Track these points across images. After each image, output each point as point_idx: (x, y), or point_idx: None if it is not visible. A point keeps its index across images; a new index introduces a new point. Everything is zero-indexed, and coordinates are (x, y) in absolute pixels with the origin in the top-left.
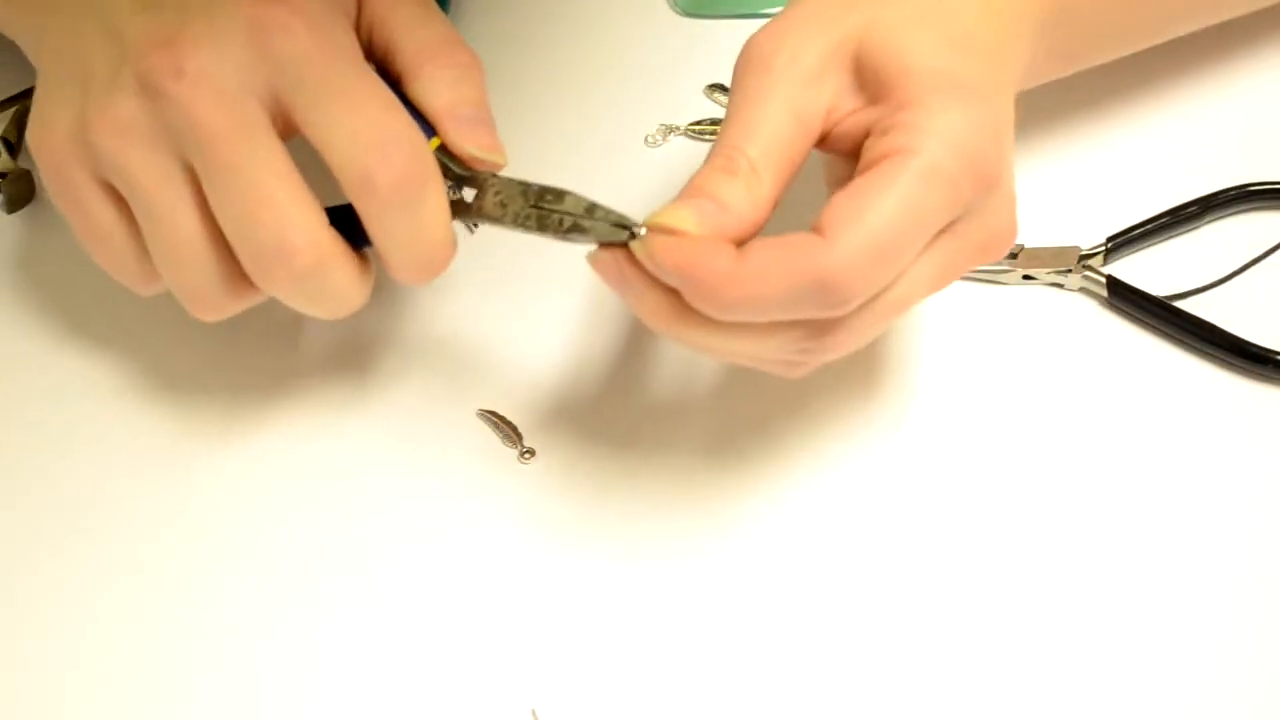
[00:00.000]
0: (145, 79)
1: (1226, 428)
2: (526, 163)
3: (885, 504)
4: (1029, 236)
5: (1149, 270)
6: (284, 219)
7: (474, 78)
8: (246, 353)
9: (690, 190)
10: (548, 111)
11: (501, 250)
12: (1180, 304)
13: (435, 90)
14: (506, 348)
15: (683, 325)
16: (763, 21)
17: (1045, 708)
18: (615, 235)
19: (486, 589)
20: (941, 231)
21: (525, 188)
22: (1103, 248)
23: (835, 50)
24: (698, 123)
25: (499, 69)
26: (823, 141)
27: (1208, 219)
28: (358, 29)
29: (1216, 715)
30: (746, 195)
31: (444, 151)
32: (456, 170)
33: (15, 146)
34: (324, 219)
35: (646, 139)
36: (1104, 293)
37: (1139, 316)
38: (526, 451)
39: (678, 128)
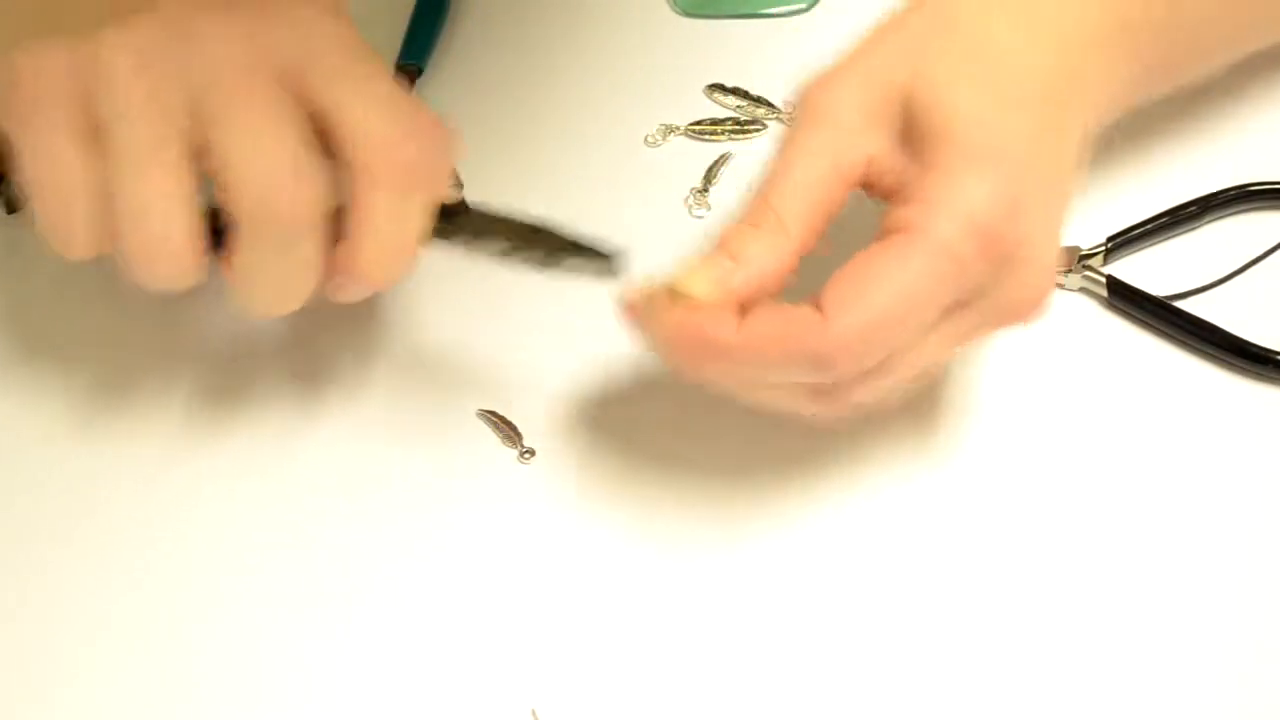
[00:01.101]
0: (177, 13)
1: (1226, 428)
2: (527, 163)
3: (885, 503)
4: None
5: (1149, 270)
6: (299, 161)
7: (427, 184)
8: (246, 352)
9: (717, 244)
10: (548, 111)
11: None
12: (1180, 304)
13: (382, 219)
14: (507, 348)
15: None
16: (762, 21)
17: (1045, 706)
18: (597, 269)
19: (486, 589)
20: (957, 304)
21: (507, 220)
22: (1102, 248)
23: (883, 101)
24: (698, 123)
25: (499, 69)
26: (869, 189)
27: (1207, 219)
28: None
29: (1216, 714)
30: (770, 249)
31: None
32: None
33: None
34: (195, 208)
35: (646, 139)
36: (1104, 293)
37: (1139, 316)
38: (526, 451)
39: (678, 128)
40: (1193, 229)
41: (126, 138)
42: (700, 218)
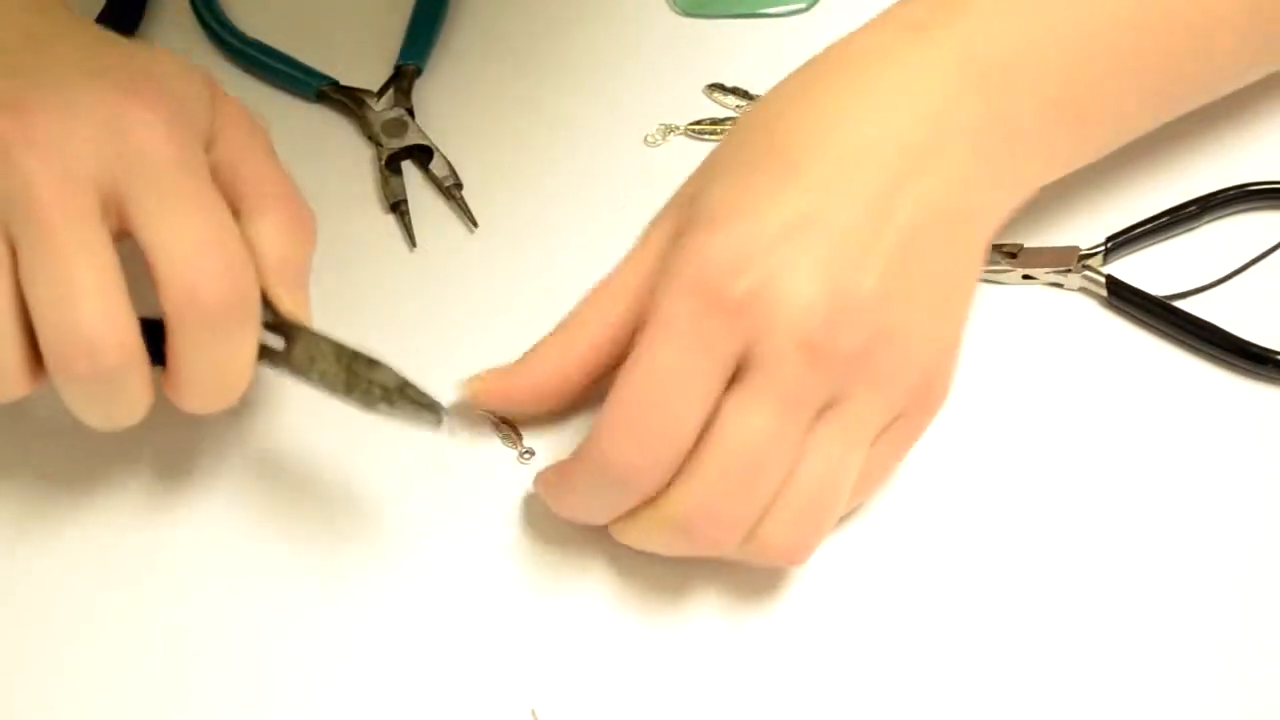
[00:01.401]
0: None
1: (1226, 428)
2: (526, 163)
3: (883, 503)
4: (1029, 236)
5: (1148, 270)
6: (98, 313)
7: (307, 235)
8: None
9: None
10: (547, 111)
11: (501, 255)
12: (1180, 304)
13: (271, 238)
14: (506, 350)
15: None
16: (762, 21)
17: (1045, 705)
18: (421, 419)
19: (486, 589)
20: (748, 371)
21: (338, 349)
22: (1102, 247)
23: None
24: (697, 123)
25: (498, 69)
26: None
27: (1207, 219)
28: (208, 148)
29: (1215, 714)
30: (553, 364)
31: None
32: (266, 317)
33: None
34: (135, 324)
35: (646, 139)
36: (1103, 292)
37: (1139, 316)
38: (526, 452)
39: (677, 128)
40: (1192, 229)
41: None
42: None
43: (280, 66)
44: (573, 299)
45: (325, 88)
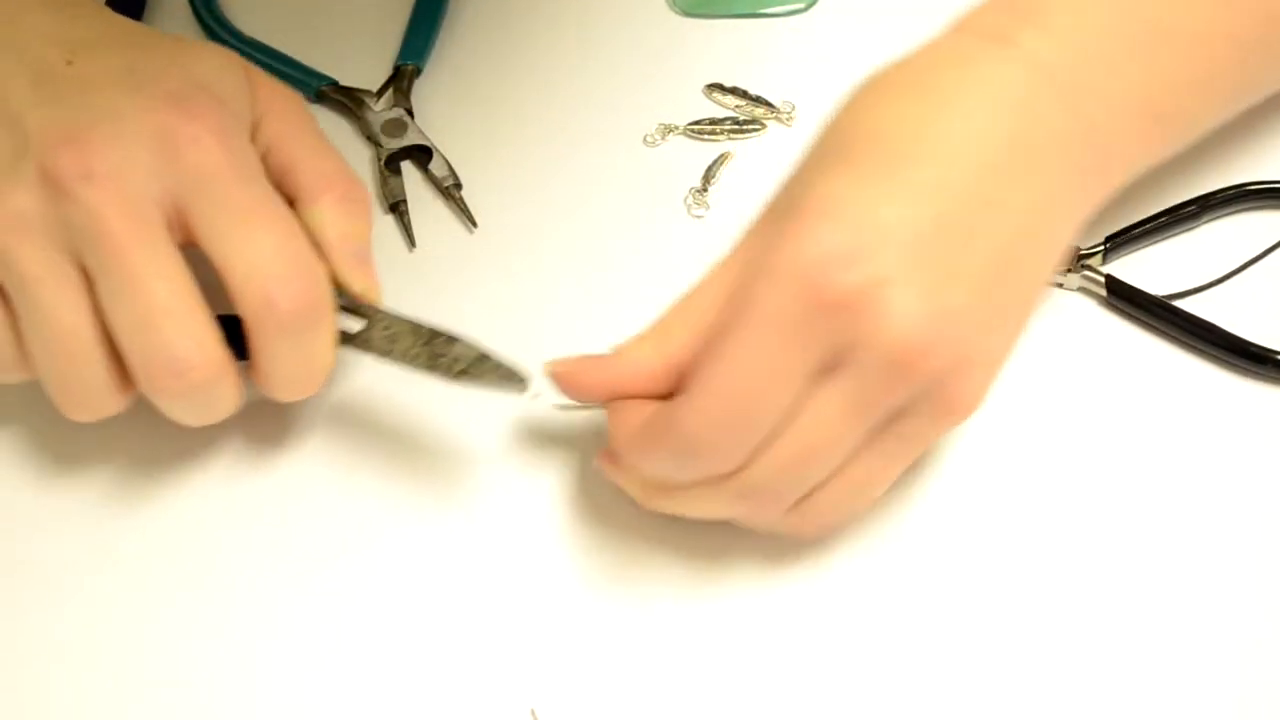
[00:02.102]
0: (50, 175)
1: (1226, 428)
2: (525, 162)
3: (884, 504)
4: None
5: (1148, 269)
6: (182, 333)
7: (363, 212)
8: None
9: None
10: (546, 111)
11: (501, 255)
12: (1179, 303)
13: (329, 220)
14: (506, 350)
15: (655, 499)
16: (761, 21)
17: (1039, 705)
18: (506, 386)
19: (486, 589)
20: (831, 371)
21: (415, 327)
22: (1101, 247)
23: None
24: (696, 123)
25: (498, 69)
26: None
27: (1206, 218)
28: (255, 140)
29: (1215, 714)
30: (647, 358)
31: (333, 284)
32: (341, 300)
33: None
34: (219, 335)
35: (645, 139)
36: (1103, 292)
37: (1138, 316)
38: (535, 394)
39: (676, 127)
40: (1191, 228)
41: (24, 295)
42: (699, 217)
43: (279, 66)
44: (573, 299)
45: (324, 88)
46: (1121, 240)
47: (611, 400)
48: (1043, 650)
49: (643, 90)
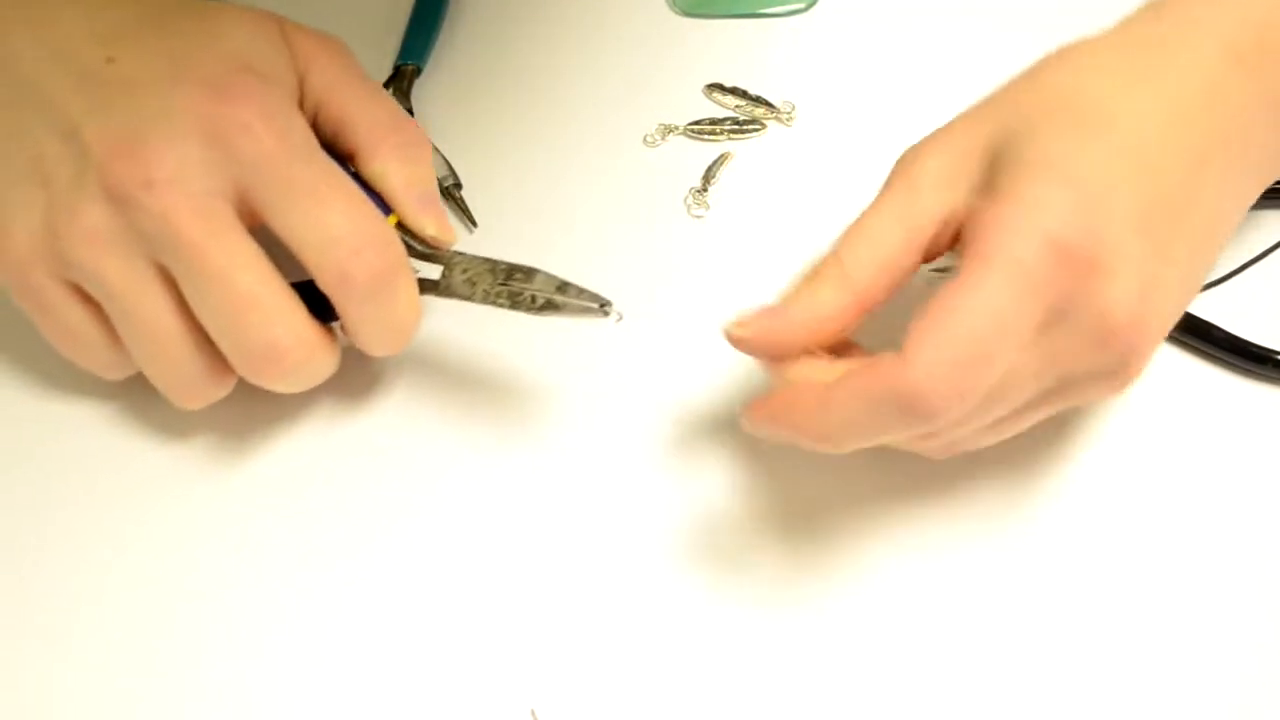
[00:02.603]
0: (113, 189)
1: (1226, 428)
2: (525, 162)
3: (884, 504)
4: None
5: None
6: (272, 321)
7: (425, 156)
8: None
9: (782, 296)
10: (546, 111)
11: (501, 255)
12: None
13: (392, 170)
14: (507, 351)
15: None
16: (761, 21)
17: (1043, 706)
18: (589, 311)
19: (486, 588)
20: (1048, 327)
21: (493, 265)
22: None
23: (962, 158)
24: (696, 123)
25: (497, 69)
26: (956, 244)
27: None
28: (302, 106)
29: (1215, 713)
30: (831, 294)
31: (401, 228)
32: (416, 247)
33: None
34: (305, 312)
35: (645, 139)
36: None
37: None
38: (618, 315)
39: (676, 128)
40: None
41: (114, 304)
42: (699, 217)
43: None
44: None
45: None
46: None
47: (799, 346)
48: (1042, 650)
49: (643, 90)
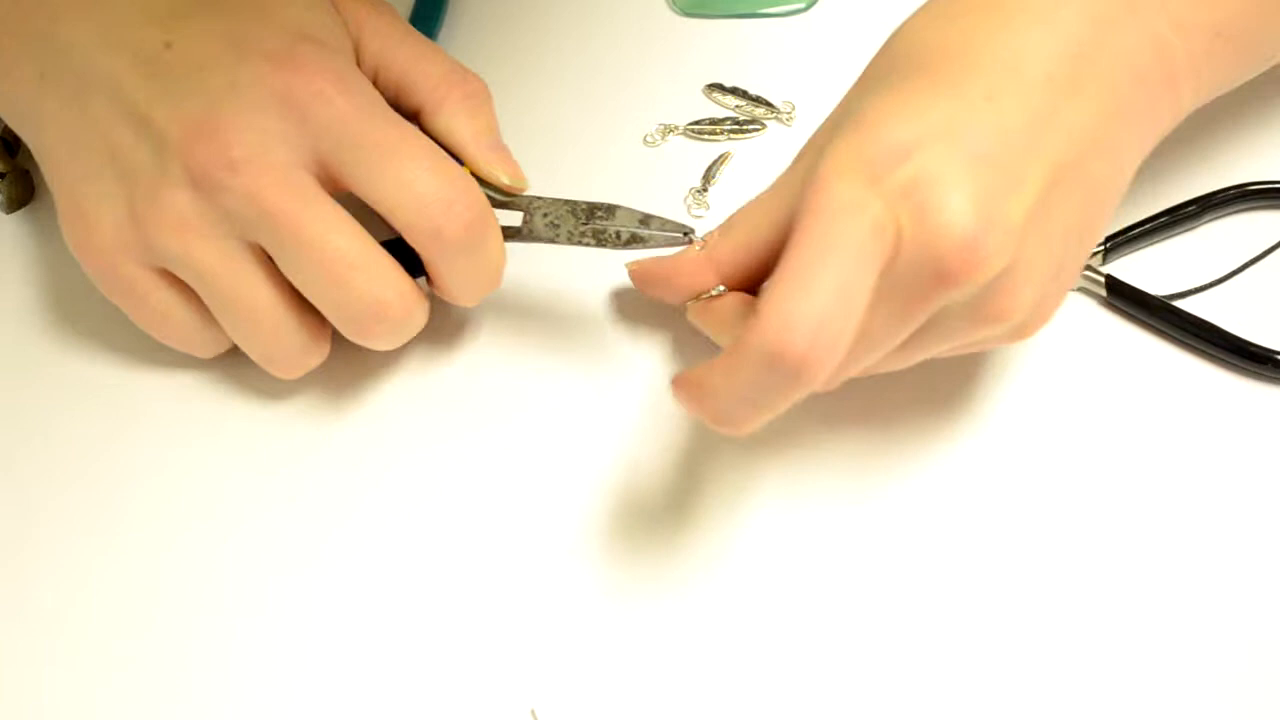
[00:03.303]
0: (196, 174)
1: (1226, 428)
2: (525, 162)
3: (884, 504)
4: None
5: (1148, 270)
6: (374, 280)
7: (488, 105)
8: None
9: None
10: (547, 111)
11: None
12: (1179, 303)
13: (460, 123)
14: (508, 352)
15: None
16: (761, 21)
17: (1040, 702)
18: (674, 241)
19: (487, 588)
20: (892, 262)
21: (572, 206)
22: (1101, 247)
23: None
24: (696, 122)
25: (498, 68)
26: None
27: (1206, 218)
28: (361, 63)
29: (1214, 713)
30: (695, 262)
31: (477, 179)
32: (494, 195)
33: (14, 146)
34: (401, 270)
35: (645, 139)
36: (1103, 292)
37: (1138, 316)
38: (701, 243)
39: (676, 127)
40: (1192, 228)
41: (207, 286)
42: (699, 217)
43: None
44: (573, 299)
45: None
46: (1121, 240)
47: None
48: (1042, 650)
49: (643, 90)
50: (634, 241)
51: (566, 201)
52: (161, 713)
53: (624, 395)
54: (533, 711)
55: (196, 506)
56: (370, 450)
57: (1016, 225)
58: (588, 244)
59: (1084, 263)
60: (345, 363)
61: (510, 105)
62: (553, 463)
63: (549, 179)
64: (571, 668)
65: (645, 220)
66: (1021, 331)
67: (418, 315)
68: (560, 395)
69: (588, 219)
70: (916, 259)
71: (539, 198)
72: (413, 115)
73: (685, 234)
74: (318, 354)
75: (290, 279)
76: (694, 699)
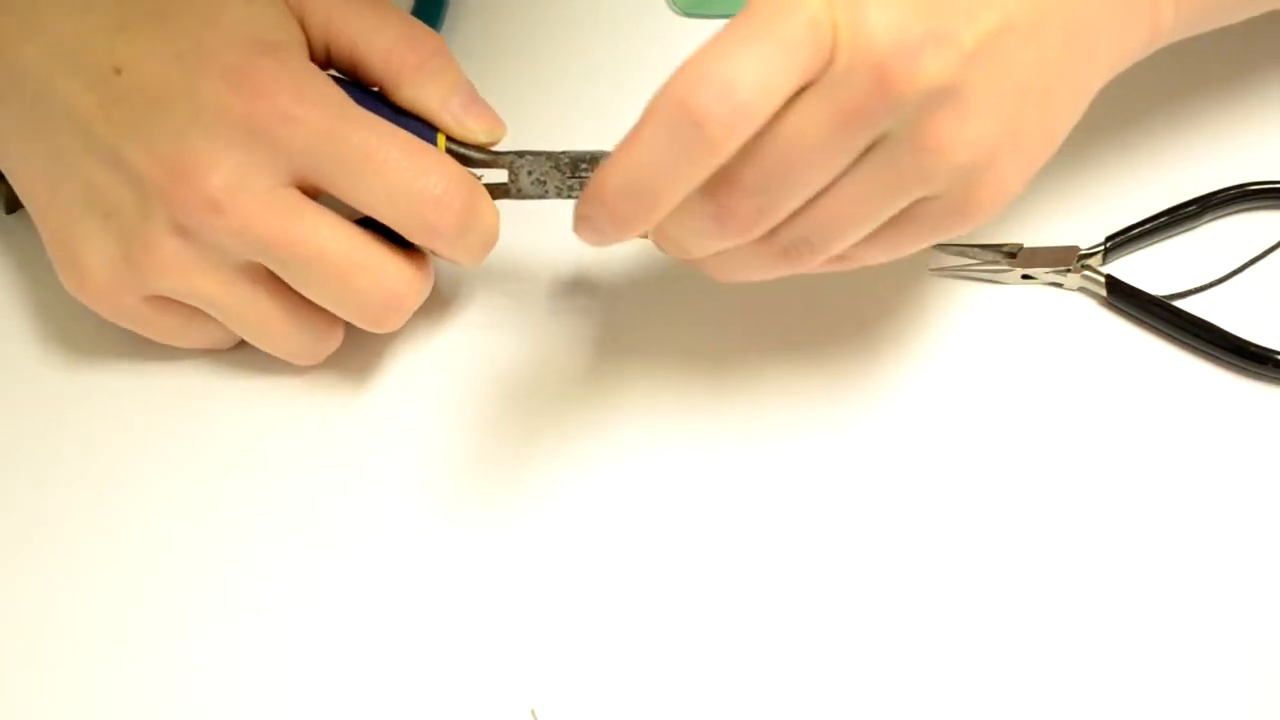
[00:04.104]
0: (181, 220)
1: (1226, 428)
2: None
3: (885, 504)
4: (1029, 236)
5: (1148, 270)
6: (380, 276)
7: (449, 62)
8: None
9: None
10: (546, 111)
11: (501, 254)
12: (1179, 303)
13: (426, 93)
14: (509, 354)
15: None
16: None
17: (1043, 706)
18: None
19: (486, 588)
20: (822, 75)
21: (556, 159)
22: (1102, 247)
23: None
24: None
25: (497, 68)
26: None
27: (1207, 218)
28: (312, 48)
29: (1213, 713)
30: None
31: (455, 143)
32: (476, 157)
33: None
34: (401, 257)
35: None
36: (1103, 292)
37: (1138, 316)
38: None
39: None
40: (1192, 228)
41: (214, 308)
42: None
43: None
44: (573, 299)
45: None
46: (1121, 240)
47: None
48: (1040, 651)
49: (643, 90)
50: None
51: (549, 155)
52: (161, 713)
53: (623, 387)
54: (533, 711)
55: (196, 506)
56: (369, 449)
57: (963, 46)
58: (577, 197)
59: (1046, 140)
60: (341, 359)
61: (510, 105)
62: (552, 460)
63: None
64: (571, 668)
65: None
66: (972, 197)
67: (426, 289)
68: (560, 392)
69: (574, 171)
70: (854, 64)
71: (521, 154)
72: (376, 87)
73: None
74: (334, 340)
75: (297, 290)
76: (694, 699)
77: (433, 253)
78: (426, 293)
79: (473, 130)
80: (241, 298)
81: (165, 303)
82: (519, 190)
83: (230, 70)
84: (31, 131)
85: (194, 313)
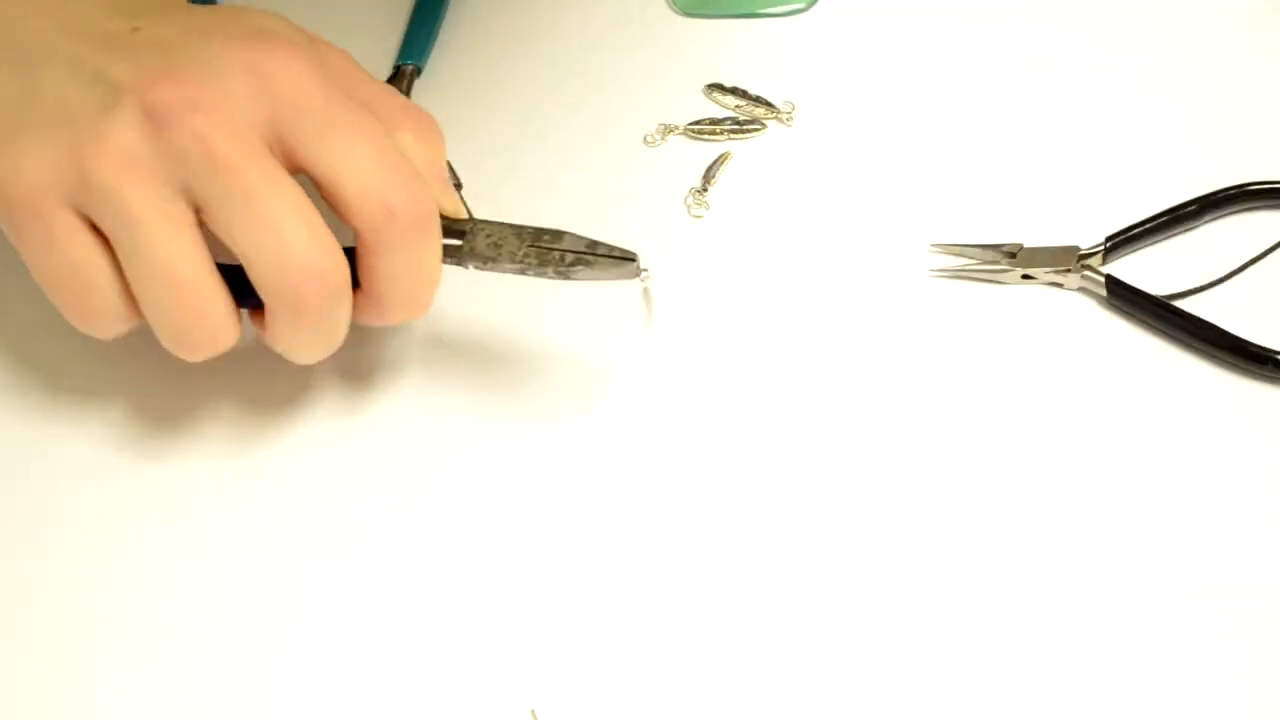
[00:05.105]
0: (155, 109)
1: (1226, 428)
2: (525, 163)
3: (885, 505)
4: (1029, 236)
5: (1148, 270)
6: (315, 240)
7: (441, 141)
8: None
9: None
10: (547, 111)
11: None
12: (1179, 303)
13: (415, 149)
14: (506, 351)
15: None
16: (762, 21)
17: (1043, 706)
18: (620, 270)
19: (487, 587)
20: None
21: (518, 229)
22: (1101, 247)
23: None
24: (697, 122)
25: (497, 69)
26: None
27: (1206, 218)
28: None
29: (1213, 714)
30: None
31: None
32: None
33: None
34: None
35: (645, 139)
36: (1103, 292)
37: (1138, 316)
38: (646, 273)
39: (676, 127)
40: (1192, 228)
41: (134, 235)
42: (699, 217)
43: None
44: (572, 299)
45: None
46: (1121, 240)
47: None
48: (1040, 651)
49: (643, 90)
50: (578, 264)
51: (512, 225)
52: (162, 712)
53: (622, 391)
54: (533, 711)
55: (197, 506)
56: (369, 448)
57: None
58: (529, 266)
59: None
60: (346, 356)
61: (510, 105)
62: (550, 462)
63: (549, 179)
64: (571, 668)
65: (593, 246)
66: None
67: (344, 307)
68: (559, 390)
69: (534, 241)
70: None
71: (484, 221)
72: None
73: (632, 260)
74: (229, 334)
75: (221, 234)
76: (694, 698)
77: (367, 286)
78: (344, 312)
79: (444, 200)
80: (163, 228)
81: (82, 223)
82: (471, 252)
83: (244, 35)
84: (19, 69)
85: (101, 251)
